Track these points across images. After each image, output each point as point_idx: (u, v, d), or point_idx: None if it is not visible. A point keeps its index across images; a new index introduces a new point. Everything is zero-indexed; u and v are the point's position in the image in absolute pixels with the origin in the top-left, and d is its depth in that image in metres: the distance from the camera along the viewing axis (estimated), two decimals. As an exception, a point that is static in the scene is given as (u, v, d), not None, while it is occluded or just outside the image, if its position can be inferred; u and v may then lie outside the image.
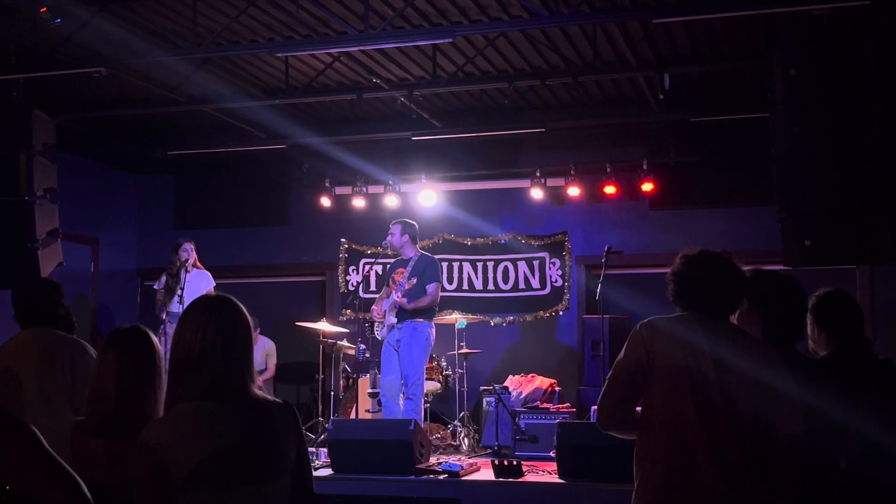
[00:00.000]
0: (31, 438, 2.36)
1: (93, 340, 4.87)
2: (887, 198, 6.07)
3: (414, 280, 8.36)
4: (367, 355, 9.19)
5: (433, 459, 7.70)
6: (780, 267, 6.44)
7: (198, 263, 9.09)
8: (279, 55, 7.99)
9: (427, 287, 8.43)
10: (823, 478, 3.38)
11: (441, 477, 7.11)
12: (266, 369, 10.34)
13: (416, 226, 8.86)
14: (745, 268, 3.42)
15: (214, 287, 9.12)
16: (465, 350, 9.41)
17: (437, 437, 9.04)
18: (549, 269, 10.63)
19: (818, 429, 3.27)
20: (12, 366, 4.64)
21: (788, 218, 6.29)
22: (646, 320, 3.32)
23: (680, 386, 3.17)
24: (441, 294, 8.80)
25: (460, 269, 10.91)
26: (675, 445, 3.16)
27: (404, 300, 8.35)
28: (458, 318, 9.48)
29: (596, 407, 3.40)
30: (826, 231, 6.20)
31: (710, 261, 3.35)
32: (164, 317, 8.93)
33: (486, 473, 7.31)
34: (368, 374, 9.05)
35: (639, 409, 3.32)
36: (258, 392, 2.79)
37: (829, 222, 6.18)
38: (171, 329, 8.82)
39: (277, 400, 2.83)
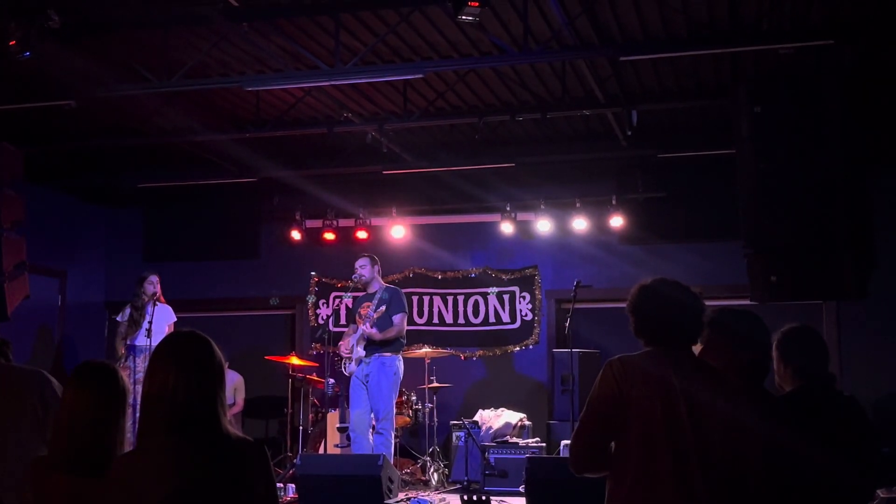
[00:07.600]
0: None
1: (56, 374, 4.79)
2: (852, 233, 6.14)
3: (382, 308, 8.36)
4: (337, 390, 9.15)
5: (402, 495, 7.67)
6: (747, 302, 6.50)
7: (161, 297, 9.01)
8: (250, 89, 7.99)
9: (393, 318, 8.43)
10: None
11: (410, 512, 7.08)
12: (234, 403, 10.25)
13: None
14: (710, 304, 3.41)
15: (176, 322, 9.05)
16: (434, 384, 9.40)
17: (406, 472, 8.99)
18: (520, 303, 10.64)
19: (781, 465, 3.28)
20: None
21: (754, 253, 6.33)
22: (616, 357, 3.26)
23: (654, 427, 3.12)
24: (411, 328, 8.79)
25: (430, 302, 10.89)
26: (648, 487, 3.11)
27: (374, 331, 8.33)
28: (427, 353, 9.47)
29: (567, 444, 3.36)
30: (792, 266, 6.24)
31: (665, 291, 3.32)
32: (122, 350, 8.85)
33: (456, 509, 7.28)
34: (337, 409, 9.01)
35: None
36: (229, 428, 2.78)
37: (795, 258, 6.23)
38: (132, 363, 8.74)
39: (248, 437, 2.81)
